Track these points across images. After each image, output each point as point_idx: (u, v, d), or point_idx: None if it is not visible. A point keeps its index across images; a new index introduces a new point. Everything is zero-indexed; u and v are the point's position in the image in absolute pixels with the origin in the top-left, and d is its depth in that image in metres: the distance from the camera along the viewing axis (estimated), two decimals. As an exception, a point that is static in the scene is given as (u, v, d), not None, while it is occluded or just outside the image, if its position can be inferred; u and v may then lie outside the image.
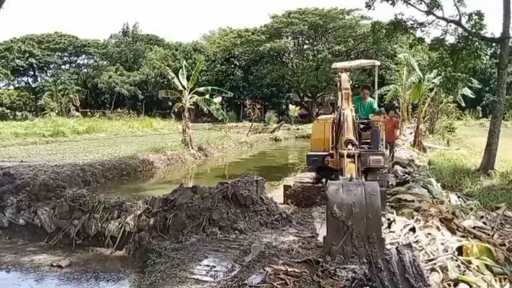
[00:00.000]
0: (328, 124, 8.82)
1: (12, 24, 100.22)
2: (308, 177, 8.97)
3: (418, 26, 13.12)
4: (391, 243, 5.68)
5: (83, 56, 57.12)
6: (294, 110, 40.81)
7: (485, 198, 8.67)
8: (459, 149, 18.79)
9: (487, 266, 5.03)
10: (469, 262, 5.04)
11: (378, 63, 11.60)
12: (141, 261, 6.20)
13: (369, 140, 9.18)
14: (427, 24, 13.02)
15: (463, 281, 4.48)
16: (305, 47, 47.43)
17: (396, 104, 27.58)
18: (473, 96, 25.52)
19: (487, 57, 21.33)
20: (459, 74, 12.87)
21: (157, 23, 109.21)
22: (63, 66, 54.94)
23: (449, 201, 8.23)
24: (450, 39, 13.55)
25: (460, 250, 5.46)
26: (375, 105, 9.64)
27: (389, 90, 27.04)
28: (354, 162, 5.43)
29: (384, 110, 9.42)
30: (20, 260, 6.73)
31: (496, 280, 4.77)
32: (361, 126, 8.81)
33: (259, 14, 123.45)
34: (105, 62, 55.98)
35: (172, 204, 6.86)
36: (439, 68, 14.11)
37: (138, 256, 6.50)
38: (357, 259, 4.45)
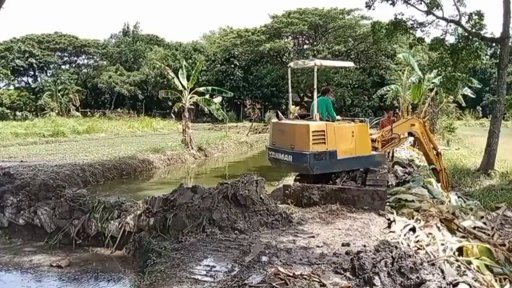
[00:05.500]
0: None
1: (12, 24, 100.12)
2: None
3: (418, 26, 13.15)
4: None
5: (83, 56, 57.00)
6: (294, 110, 40.63)
7: (485, 198, 8.68)
8: (459, 149, 18.80)
9: (487, 266, 5.03)
10: (469, 262, 5.04)
11: (351, 64, 11.70)
12: (141, 261, 6.19)
13: None
14: (427, 24, 13.06)
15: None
16: (305, 47, 47.31)
17: (396, 104, 27.59)
18: (473, 96, 25.53)
19: (487, 57, 21.32)
20: (459, 74, 12.88)
21: (157, 23, 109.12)
22: (63, 66, 54.83)
23: (449, 201, 8.24)
24: (450, 39, 13.59)
25: (460, 250, 5.46)
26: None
27: (389, 90, 27.08)
28: None
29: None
30: (20, 260, 6.73)
31: (496, 280, 4.77)
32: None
33: (259, 14, 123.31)
34: (105, 62, 55.89)
35: (172, 204, 6.86)
36: (439, 68, 14.13)
37: (138, 256, 6.50)
38: None
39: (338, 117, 9.12)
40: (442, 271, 4.49)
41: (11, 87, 50.05)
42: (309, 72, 43.08)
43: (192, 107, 21.26)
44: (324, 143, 7.87)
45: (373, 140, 9.11)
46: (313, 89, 8.68)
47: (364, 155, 8.42)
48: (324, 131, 7.89)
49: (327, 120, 8.53)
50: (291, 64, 9.70)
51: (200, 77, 37.99)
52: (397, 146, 10.36)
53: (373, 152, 8.76)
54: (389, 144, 9.64)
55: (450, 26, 12.82)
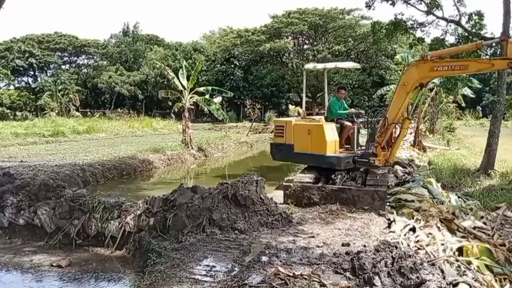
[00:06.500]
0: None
1: (12, 24, 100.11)
2: (308, 177, 8.97)
3: (418, 26, 13.14)
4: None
5: (83, 56, 57.07)
6: (294, 110, 40.73)
7: (485, 198, 8.66)
8: (459, 149, 18.77)
9: (487, 266, 5.03)
10: (469, 262, 5.04)
11: (358, 65, 11.81)
12: (141, 261, 6.19)
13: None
14: (427, 24, 13.04)
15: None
16: (305, 47, 47.24)
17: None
18: (473, 96, 25.51)
19: (487, 57, 21.29)
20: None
21: (157, 23, 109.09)
22: (63, 66, 54.86)
23: (449, 201, 8.23)
24: (450, 39, 13.57)
25: (460, 250, 5.46)
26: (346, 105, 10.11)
27: (389, 90, 27.04)
28: None
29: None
30: (20, 260, 6.73)
31: (496, 280, 4.77)
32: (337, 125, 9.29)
33: (259, 14, 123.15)
34: (105, 62, 55.94)
35: (172, 204, 6.86)
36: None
37: (138, 256, 6.50)
38: None
39: (352, 110, 9.69)
40: (442, 271, 4.50)
41: (11, 87, 50.10)
42: (309, 72, 43.11)
43: (192, 107, 21.24)
44: (282, 136, 9.29)
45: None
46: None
47: (319, 154, 8.69)
48: (283, 126, 9.31)
49: (333, 120, 9.14)
50: (309, 66, 10.01)
51: (200, 77, 38.01)
52: (406, 128, 8.39)
53: (329, 154, 8.60)
54: (388, 133, 8.11)
55: (450, 26, 12.81)
